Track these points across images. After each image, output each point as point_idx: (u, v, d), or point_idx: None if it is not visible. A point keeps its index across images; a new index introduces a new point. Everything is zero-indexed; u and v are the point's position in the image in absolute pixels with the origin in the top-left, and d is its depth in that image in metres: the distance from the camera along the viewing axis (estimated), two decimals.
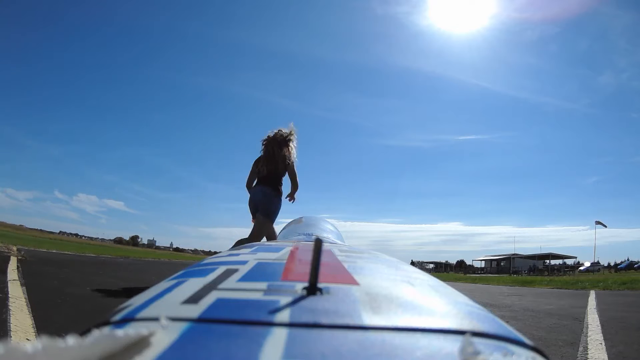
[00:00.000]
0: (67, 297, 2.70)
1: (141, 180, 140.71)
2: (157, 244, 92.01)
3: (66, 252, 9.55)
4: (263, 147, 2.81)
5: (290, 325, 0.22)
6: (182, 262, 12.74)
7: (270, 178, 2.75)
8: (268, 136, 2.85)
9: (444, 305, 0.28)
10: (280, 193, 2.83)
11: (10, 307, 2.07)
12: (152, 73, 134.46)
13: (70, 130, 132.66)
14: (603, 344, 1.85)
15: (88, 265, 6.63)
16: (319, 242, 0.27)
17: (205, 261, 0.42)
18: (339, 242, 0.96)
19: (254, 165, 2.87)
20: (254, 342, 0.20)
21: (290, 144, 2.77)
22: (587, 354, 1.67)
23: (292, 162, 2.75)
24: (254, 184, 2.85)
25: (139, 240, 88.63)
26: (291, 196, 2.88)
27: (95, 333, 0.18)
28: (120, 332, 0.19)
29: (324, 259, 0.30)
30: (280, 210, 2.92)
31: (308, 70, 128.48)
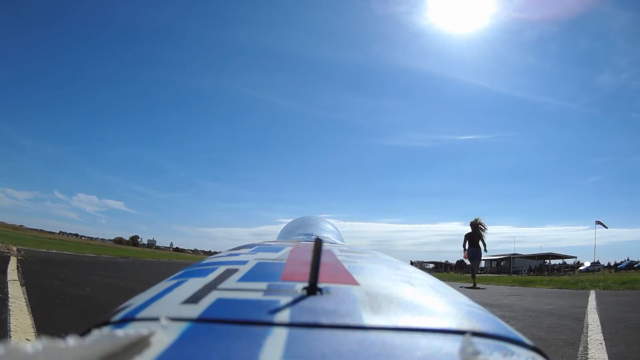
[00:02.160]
0: (67, 297, 2.70)
1: (141, 180, 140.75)
2: (157, 244, 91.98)
3: (66, 252, 9.55)
4: (471, 227, 6.87)
5: (291, 325, 0.22)
6: (182, 262, 12.74)
7: (476, 243, 6.80)
8: (471, 223, 6.87)
9: (444, 305, 0.28)
10: (480, 249, 6.80)
11: (10, 308, 2.07)
12: (151, 73, 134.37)
13: (70, 130, 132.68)
14: (603, 343, 1.85)
15: (88, 266, 6.62)
16: (319, 242, 0.27)
17: (205, 261, 0.42)
18: (339, 242, 0.96)
19: (466, 236, 6.91)
20: (254, 342, 0.20)
21: (482, 228, 6.88)
22: (587, 353, 1.67)
23: (483, 236, 6.82)
24: (466, 245, 6.85)
25: (139, 240, 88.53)
26: (484, 249, 6.85)
27: (95, 333, 0.18)
28: (120, 332, 0.18)
29: (324, 259, 0.30)
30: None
31: (308, 70, 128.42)
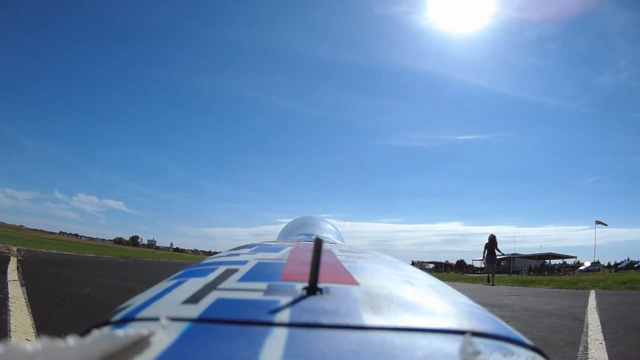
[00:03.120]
0: (67, 297, 2.71)
1: (141, 180, 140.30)
2: (157, 244, 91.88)
3: (66, 253, 9.55)
4: (489, 239, 8.97)
5: (291, 325, 0.22)
6: (182, 262, 12.74)
7: (493, 251, 8.90)
8: (490, 236, 9.00)
9: (444, 305, 0.28)
10: (496, 255, 8.98)
11: (10, 308, 2.07)
12: (151, 73, 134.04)
13: (70, 130, 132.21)
14: (603, 343, 1.85)
15: (88, 266, 6.63)
16: (319, 242, 0.27)
17: (205, 261, 0.42)
18: (339, 242, 0.96)
19: (485, 246, 8.97)
20: (254, 342, 0.20)
21: (495, 241, 8.91)
22: (588, 353, 1.67)
23: (497, 245, 8.92)
24: (486, 252, 8.96)
25: (139, 240, 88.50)
26: (500, 253, 9.26)
27: (95, 333, 0.18)
28: (120, 332, 0.18)
29: (324, 259, 0.30)
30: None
31: (308, 70, 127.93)
